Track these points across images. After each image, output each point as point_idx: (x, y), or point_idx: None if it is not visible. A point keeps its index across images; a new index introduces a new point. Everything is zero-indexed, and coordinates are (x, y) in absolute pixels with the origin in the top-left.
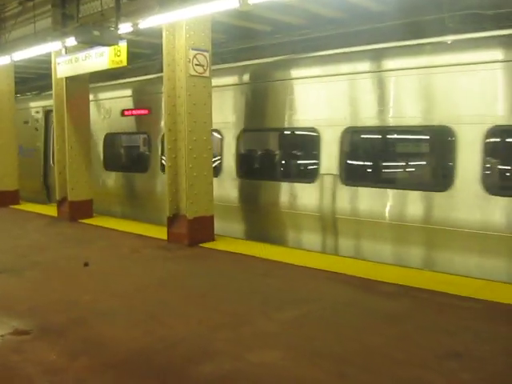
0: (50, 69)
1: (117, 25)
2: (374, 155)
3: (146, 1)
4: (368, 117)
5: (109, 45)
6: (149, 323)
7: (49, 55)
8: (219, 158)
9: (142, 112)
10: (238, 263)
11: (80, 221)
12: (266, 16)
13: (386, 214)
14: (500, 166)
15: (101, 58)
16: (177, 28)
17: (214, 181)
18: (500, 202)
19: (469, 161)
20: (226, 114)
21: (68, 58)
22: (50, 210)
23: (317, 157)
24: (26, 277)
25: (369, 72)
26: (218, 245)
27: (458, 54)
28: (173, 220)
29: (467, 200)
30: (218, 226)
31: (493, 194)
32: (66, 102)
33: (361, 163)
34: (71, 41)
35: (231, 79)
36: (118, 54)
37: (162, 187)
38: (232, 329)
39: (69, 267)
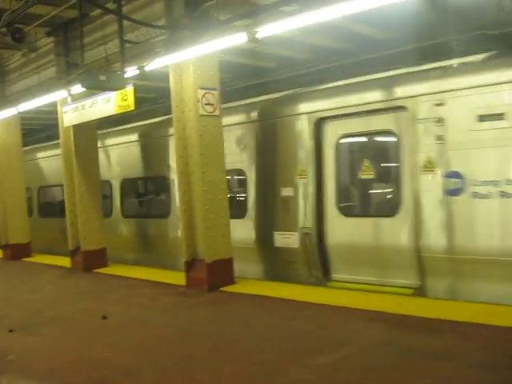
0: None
1: (123, 68)
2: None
3: (150, 43)
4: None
5: (116, 89)
6: (177, 379)
7: (55, 105)
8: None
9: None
10: (263, 307)
11: (95, 271)
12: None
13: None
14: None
15: (108, 104)
16: (183, 68)
17: (107, 221)
18: None
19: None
20: (113, 167)
21: (74, 105)
22: (63, 261)
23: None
24: (42, 334)
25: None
26: (239, 288)
27: None
28: (191, 264)
29: None
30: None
31: None
32: (74, 150)
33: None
34: (77, 88)
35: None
36: (125, 98)
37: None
38: (266, 381)
39: (86, 321)
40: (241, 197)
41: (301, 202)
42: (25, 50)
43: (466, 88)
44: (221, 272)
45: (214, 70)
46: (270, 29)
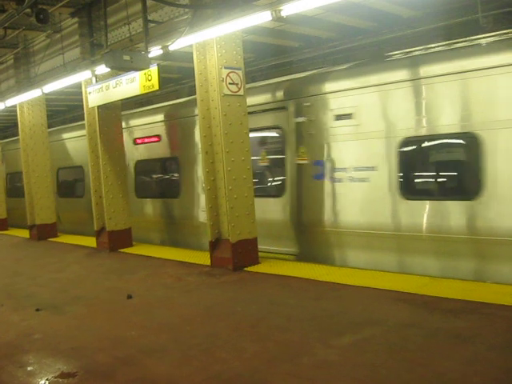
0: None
1: (146, 48)
2: None
3: (174, 23)
4: None
5: (140, 69)
6: (201, 358)
7: (77, 86)
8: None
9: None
10: (287, 287)
11: (120, 250)
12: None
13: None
14: None
15: (132, 84)
16: (207, 48)
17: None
18: None
19: None
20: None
21: (99, 86)
22: (89, 241)
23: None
24: (67, 313)
25: None
26: (264, 268)
27: None
28: (215, 244)
29: None
30: None
31: None
32: (98, 131)
33: None
34: (101, 69)
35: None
36: (150, 78)
37: None
38: (290, 360)
39: (111, 301)
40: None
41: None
42: (49, 31)
43: (327, 93)
44: (245, 252)
45: (238, 50)
46: (295, 7)
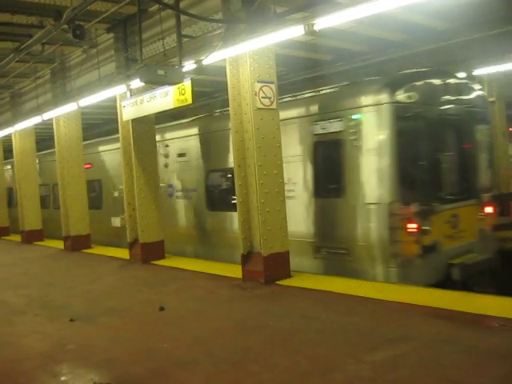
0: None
1: (180, 63)
2: None
3: (207, 38)
4: None
5: (174, 83)
6: (233, 372)
7: (112, 100)
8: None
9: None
10: (319, 301)
11: (152, 262)
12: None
13: None
14: None
15: (166, 98)
16: (240, 62)
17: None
18: None
19: None
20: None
21: (133, 100)
22: (122, 253)
23: None
24: (101, 324)
25: None
26: (295, 281)
27: None
28: (247, 258)
29: None
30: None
31: None
32: (132, 144)
33: None
34: (135, 83)
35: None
36: (183, 92)
37: None
38: (321, 375)
39: (144, 312)
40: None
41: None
42: (85, 46)
43: (174, 138)
44: (277, 265)
45: (271, 63)
46: (328, 21)
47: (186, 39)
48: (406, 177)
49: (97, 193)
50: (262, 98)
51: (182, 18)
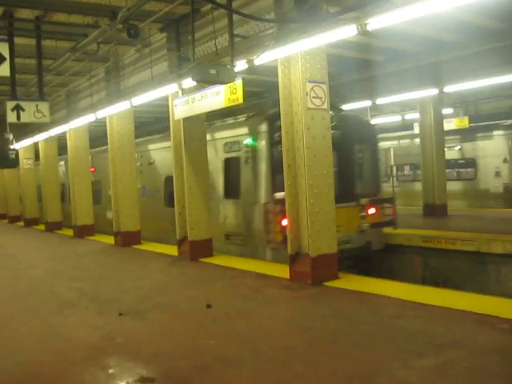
0: (164, 112)
1: (232, 62)
2: None
3: (259, 37)
4: None
5: (225, 83)
6: (278, 372)
7: (163, 99)
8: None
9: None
10: (366, 304)
11: (200, 260)
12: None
13: None
14: None
15: (217, 97)
16: (292, 61)
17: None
18: None
19: None
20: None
21: (185, 99)
22: (171, 250)
23: None
24: (149, 319)
25: None
26: (343, 283)
27: None
28: (295, 258)
29: None
30: None
31: None
32: (183, 142)
33: None
34: (187, 82)
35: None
36: (234, 91)
37: None
38: (368, 379)
39: (192, 309)
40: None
41: None
42: (139, 45)
43: (148, 150)
44: (325, 267)
45: (323, 63)
46: (381, 20)
47: (237, 39)
48: (280, 184)
49: (97, 191)
50: (313, 98)
51: (235, 17)
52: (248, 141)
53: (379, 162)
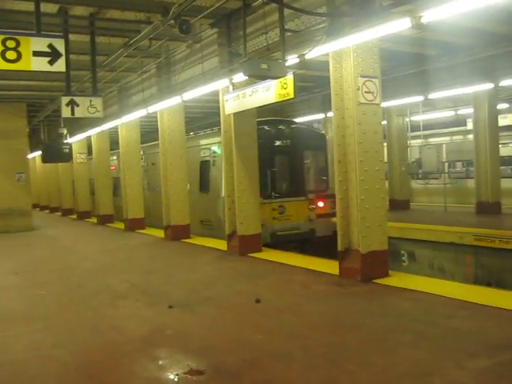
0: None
1: (283, 57)
2: None
3: (310, 32)
4: None
5: (276, 77)
6: (327, 368)
7: (213, 94)
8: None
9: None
10: (417, 302)
11: (249, 255)
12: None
13: None
14: None
15: (267, 92)
16: (344, 56)
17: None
18: None
19: None
20: None
21: (235, 94)
22: (220, 244)
23: None
24: (198, 313)
25: None
26: (393, 281)
27: None
28: (345, 254)
29: None
30: None
31: None
32: (234, 137)
33: None
34: (238, 77)
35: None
36: (285, 86)
37: None
38: (420, 378)
39: (240, 304)
40: None
41: None
42: (190, 41)
43: (150, 153)
44: (375, 264)
45: (375, 58)
46: (436, 13)
47: (288, 33)
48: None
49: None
50: (365, 92)
51: (286, 12)
52: (215, 148)
53: (328, 164)
